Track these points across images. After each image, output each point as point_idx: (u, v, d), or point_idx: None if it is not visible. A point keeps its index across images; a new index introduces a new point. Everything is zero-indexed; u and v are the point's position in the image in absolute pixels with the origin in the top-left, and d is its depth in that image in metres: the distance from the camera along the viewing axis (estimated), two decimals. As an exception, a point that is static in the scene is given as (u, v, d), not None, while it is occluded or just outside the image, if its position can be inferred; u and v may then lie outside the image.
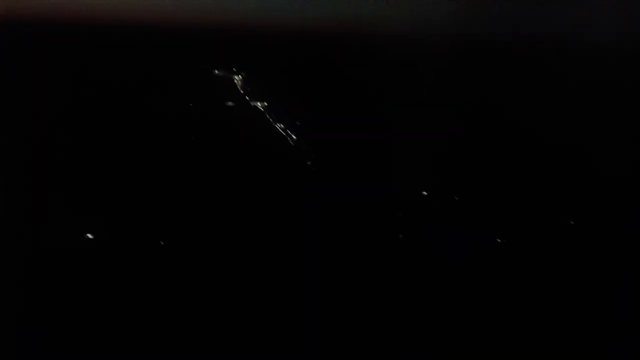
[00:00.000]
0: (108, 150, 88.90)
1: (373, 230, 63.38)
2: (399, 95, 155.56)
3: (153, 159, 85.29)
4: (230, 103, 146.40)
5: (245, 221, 62.79)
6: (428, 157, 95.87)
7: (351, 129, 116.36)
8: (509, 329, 44.82)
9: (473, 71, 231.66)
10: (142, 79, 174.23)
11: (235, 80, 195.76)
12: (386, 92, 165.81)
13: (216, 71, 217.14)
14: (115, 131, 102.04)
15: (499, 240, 62.79)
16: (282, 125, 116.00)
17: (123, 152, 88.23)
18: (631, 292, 50.22)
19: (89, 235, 57.12)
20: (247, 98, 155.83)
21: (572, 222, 69.25)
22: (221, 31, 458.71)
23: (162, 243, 57.01)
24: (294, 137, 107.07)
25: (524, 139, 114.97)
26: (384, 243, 60.74)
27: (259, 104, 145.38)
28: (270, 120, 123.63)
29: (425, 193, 77.09)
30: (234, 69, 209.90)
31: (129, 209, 64.66)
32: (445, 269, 54.54)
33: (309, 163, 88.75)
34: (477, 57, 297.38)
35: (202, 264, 52.47)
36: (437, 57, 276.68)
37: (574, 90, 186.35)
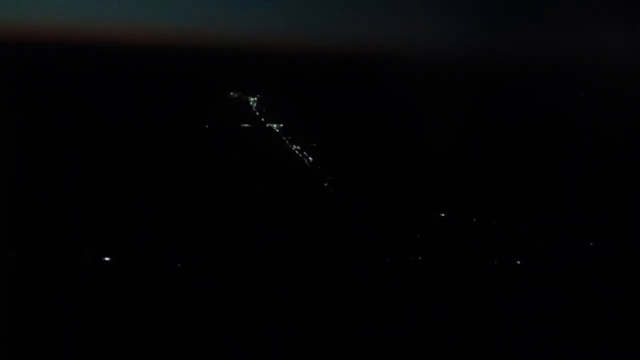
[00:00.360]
0: (128, 171, 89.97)
1: (390, 252, 63.35)
2: (414, 116, 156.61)
3: (172, 180, 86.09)
4: (246, 125, 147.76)
5: (263, 243, 63.21)
6: (443, 178, 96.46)
7: (367, 150, 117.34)
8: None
9: (482, 92, 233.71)
10: (159, 101, 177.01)
11: (250, 102, 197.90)
12: (400, 113, 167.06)
13: (232, 93, 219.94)
14: (135, 152, 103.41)
15: (518, 262, 62.61)
16: (299, 147, 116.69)
17: (142, 174, 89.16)
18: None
19: (106, 259, 58.03)
20: (263, 120, 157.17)
21: (590, 244, 69.00)
22: (237, 53, 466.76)
23: (179, 265, 57.63)
24: (310, 158, 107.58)
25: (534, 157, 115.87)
26: (401, 264, 60.75)
27: (274, 125, 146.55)
28: (286, 142, 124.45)
29: (443, 215, 76.97)
30: (248, 91, 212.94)
31: (146, 229, 65.32)
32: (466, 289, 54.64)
33: (325, 185, 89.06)
34: (486, 78, 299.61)
35: (219, 288, 52.89)
36: (449, 78, 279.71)
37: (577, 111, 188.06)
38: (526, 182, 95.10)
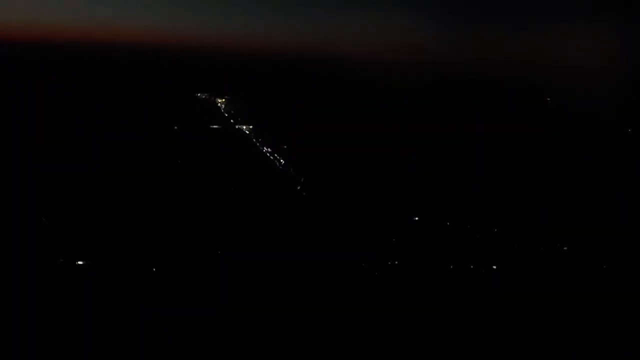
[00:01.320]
0: (96, 174, 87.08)
1: (366, 256, 62.66)
2: (383, 119, 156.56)
3: (140, 183, 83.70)
4: (215, 126, 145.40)
5: (236, 249, 61.75)
6: (417, 181, 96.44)
7: (338, 153, 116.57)
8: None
9: (462, 96, 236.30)
10: (123, 102, 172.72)
11: (218, 104, 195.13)
12: (370, 116, 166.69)
13: (199, 94, 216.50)
14: (101, 155, 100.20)
15: (494, 267, 62.65)
16: (270, 149, 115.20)
17: (109, 177, 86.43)
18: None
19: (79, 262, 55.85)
20: (232, 121, 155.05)
21: (565, 249, 69.55)
22: (203, 54, 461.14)
23: (153, 270, 55.83)
24: (282, 161, 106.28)
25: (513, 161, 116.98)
26: (377, 269, 60.15)
27: (244, 127, 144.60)
28: (257, 144, 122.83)
29: (417, 218, 76.75)
30: (216, 93, 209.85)
31: (118, 231, 63.23)
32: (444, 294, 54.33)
33: (298, 188, 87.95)
34: (467, 83, 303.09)
35: (191, 291, 51.30)
36: (422, 81, 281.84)
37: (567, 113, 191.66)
38: (498, 187, 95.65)
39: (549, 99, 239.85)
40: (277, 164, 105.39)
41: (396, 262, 61.95)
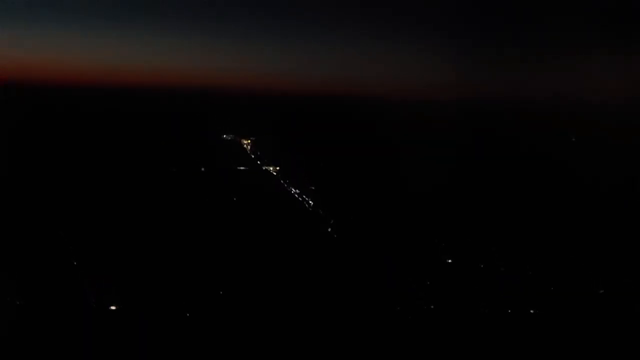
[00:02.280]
0: (124, 218, 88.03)
1: (401, 300, 62.11)
2: (411, 157, 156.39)
3: (167, 226, 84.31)
4: (242, 167, 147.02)
5: (269, 291, 61.56)
6: (448, 221, 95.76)
7: (366, 193, 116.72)
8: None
9: (477, 133, 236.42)
10: (148, 144, 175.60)
11: (244, 145, 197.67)
12: (398, 154, 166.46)
13: (225, 135, 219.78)
14: (130, 197, 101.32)
15: (532, 312, 61.57)
16: (297, 191, 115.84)
17: (136, 220, 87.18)
18: None
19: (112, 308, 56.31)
20: (259, 162, 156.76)
21: (601, 291, 68.17)
22: (228, 94, 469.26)
23: (187, 315, 55.95)
24: (311, 202, 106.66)
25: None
26: (413, 313, 59.51)
27: (270, 168, 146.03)
28: (284, 184, 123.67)
29: (450, 261, 76.09)
30: (241, 133, 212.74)
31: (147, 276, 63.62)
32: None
33: (329, 230, 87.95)
34: (480, 120, 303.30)
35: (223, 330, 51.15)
36: (440, 119, 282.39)
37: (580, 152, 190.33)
38: (529, 228, 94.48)
39: (574, 139, 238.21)
40: (306, 205, 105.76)
41: (432, 307, 61.24)
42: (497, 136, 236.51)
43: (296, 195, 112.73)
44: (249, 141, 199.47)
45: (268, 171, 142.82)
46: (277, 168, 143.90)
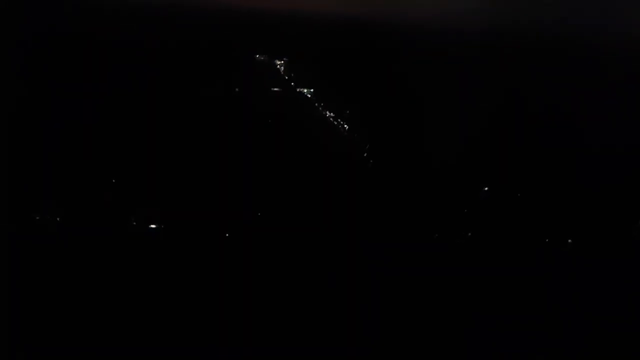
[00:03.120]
0: (154, 137, 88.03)
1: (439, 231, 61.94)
2: (439, 88, 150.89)
3: (201, 148, 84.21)
4: (276, 89, 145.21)
5: (306, 222, 61.57)
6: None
7: (398, 118, 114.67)
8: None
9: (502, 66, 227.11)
10: (183, 63, 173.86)
11: (277, 65, 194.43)
12: (426, 84, 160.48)
13: (257, 56, 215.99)
14: (161, 119, 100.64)
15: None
16: (332, 114, 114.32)
17: (170, 140, 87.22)
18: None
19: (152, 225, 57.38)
20: (293, 84, 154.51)
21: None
22: (261, 15, 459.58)
23: (227, 235, 56.59)
24: (346, 126, 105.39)
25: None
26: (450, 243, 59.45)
27: (305, 90, 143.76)
28: (319, 108, 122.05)
29: (486, 189, 75.11)
30: (274, 55, 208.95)
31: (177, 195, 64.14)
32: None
33: (365, 155, 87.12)
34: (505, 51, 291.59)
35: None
36: (472, 50, 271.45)
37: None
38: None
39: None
40: (341, 129, 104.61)
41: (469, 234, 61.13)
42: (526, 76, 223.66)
43: (331, 119, 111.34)
44: (282, 62, 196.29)
45: (302, 93, 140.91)
46: (312, 90, 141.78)
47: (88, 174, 69.39)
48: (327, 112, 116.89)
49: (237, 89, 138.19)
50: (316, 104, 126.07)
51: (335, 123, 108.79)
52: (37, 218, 56.31)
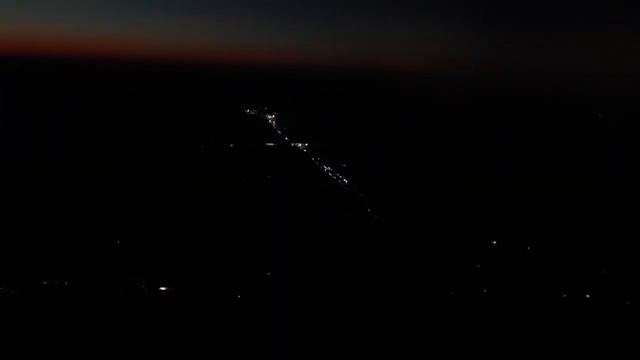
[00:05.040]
0: (150, 192, 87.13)
1: (453, 284, 60.83)
2: (439, 134, 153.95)
3: (198, 203, 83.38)
4: (270, 144, 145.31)
5: (313, 276, 60.42)
6: (486, 200, 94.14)
7: (398, 169, 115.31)
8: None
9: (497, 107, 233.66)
10: (175, 119, 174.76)
11: (269, 120, 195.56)
12: (425, 130, 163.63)
13: (248, 110, 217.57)
14: (160, 175, 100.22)
15: (587, 296, 59.92)
16: (330, 168, 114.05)
17: (166, 195, 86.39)
18: None
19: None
20: (286, 139, 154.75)
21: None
22: (242, 70, 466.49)
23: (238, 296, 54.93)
24: (345, 181, 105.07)
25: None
26: (465, 297, 58.18)
27: (299, 144, 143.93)
28: (316, 162, 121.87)
29: (495, 242, 74.40)
30: (265, 108, 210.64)
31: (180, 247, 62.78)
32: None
33: (369, 210, 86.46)
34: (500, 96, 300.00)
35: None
36: (470, 96, 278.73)
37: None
38: (562, 208, 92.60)
39: (600, 114, 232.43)
40: (340, 183, 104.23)
41: (484, 291, 59.84)
42: (519, 113, 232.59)
43: (330, 174, 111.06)
44: (273, 116, 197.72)
45: (297, 147, 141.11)
46: (306, 144, 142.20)
47: (96, 236, 67.92)
48: (325, 167, 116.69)
49: (231, 145, 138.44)
50: (312, 159, 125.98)
51: (334, 177, 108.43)
52: (45, 283, 54.43)
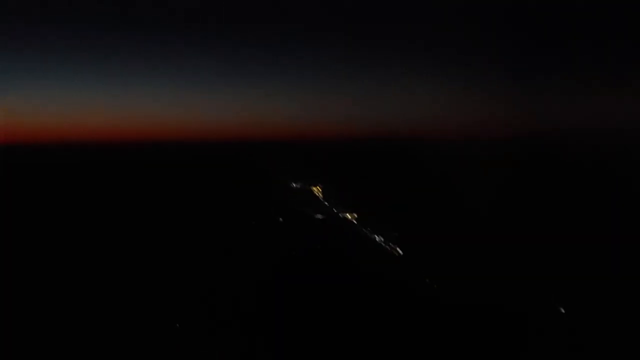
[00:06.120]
0: (211, 276, 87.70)
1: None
2: (486, 199, 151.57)
3: (263, 283, 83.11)
4: (319, 216, 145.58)
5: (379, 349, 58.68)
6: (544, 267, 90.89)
7: (447, 236, 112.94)
8: None
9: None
10: (223, 194, 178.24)
11: (315, 192, 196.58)
12: (464, 193, 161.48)
13: (293, 183, 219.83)
14: (213, 253, 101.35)
15: None
16: (382, 238, 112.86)
17: (223, 275, 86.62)
18: None
19: None
20: (334, 210, 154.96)
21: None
22: (283, 142, 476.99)
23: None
24: (400, 250, 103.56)
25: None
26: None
27: (348, 215, 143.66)
28: (367, 233, 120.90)
29: (562, 310, 71.16)
30: (309, 181, 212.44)
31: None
32: None
33: (427, 281, 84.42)
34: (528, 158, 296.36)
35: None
36: (511, 160, 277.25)
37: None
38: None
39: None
40: (395, 253, 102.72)
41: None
42: (565, 170, 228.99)
43: (382, 244, 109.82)
44: (318, 188, 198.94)
45: (346, 218, 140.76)
46: (355, 215, 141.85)
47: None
48: (376, 237, 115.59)
49: (280, 219, 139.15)
50: (363, 229, 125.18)
51: (388, 248, 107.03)
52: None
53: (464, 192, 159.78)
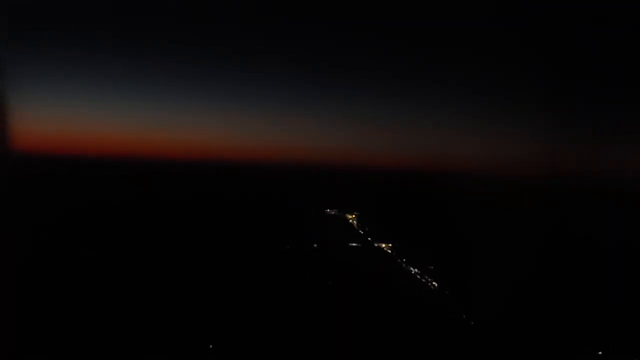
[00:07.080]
0: (243, 299, 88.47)
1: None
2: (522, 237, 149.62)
3: (296, 311, 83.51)
4: (354, 244, 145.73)
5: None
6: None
7: (484, 269, 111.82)
8: None
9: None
10: (257, 220, 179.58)
11: (349, 220, 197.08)
12: (499, 228, 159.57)
13: (328, 210, 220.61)
14: (248, 279, 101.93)
15: None
16: (417, 270, 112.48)
17: (259, 302, 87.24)
18: None
19: None
20: (369, 239, 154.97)
21: None
22: (324, 171, 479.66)
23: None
24: (435, 283, 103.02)
25: None
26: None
27: (383, 245, 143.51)
28: (402, 264, 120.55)
29: (600, 353, 69.69)
30: (344, 208, 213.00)
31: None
32: None
33: (464, 316, 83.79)
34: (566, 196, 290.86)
35: None
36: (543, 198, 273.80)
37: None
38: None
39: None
40: (431, 286, 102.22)
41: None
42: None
43: (418, 276, 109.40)
44: (353, 216, 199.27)
45: (381, 248, 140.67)
46: (390, 245, 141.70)
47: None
48: (412, 269, 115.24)
49: (315, 245, 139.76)
50: (398, 260, 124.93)
51: (423, 280, 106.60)
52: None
53: (498, 229, 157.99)
